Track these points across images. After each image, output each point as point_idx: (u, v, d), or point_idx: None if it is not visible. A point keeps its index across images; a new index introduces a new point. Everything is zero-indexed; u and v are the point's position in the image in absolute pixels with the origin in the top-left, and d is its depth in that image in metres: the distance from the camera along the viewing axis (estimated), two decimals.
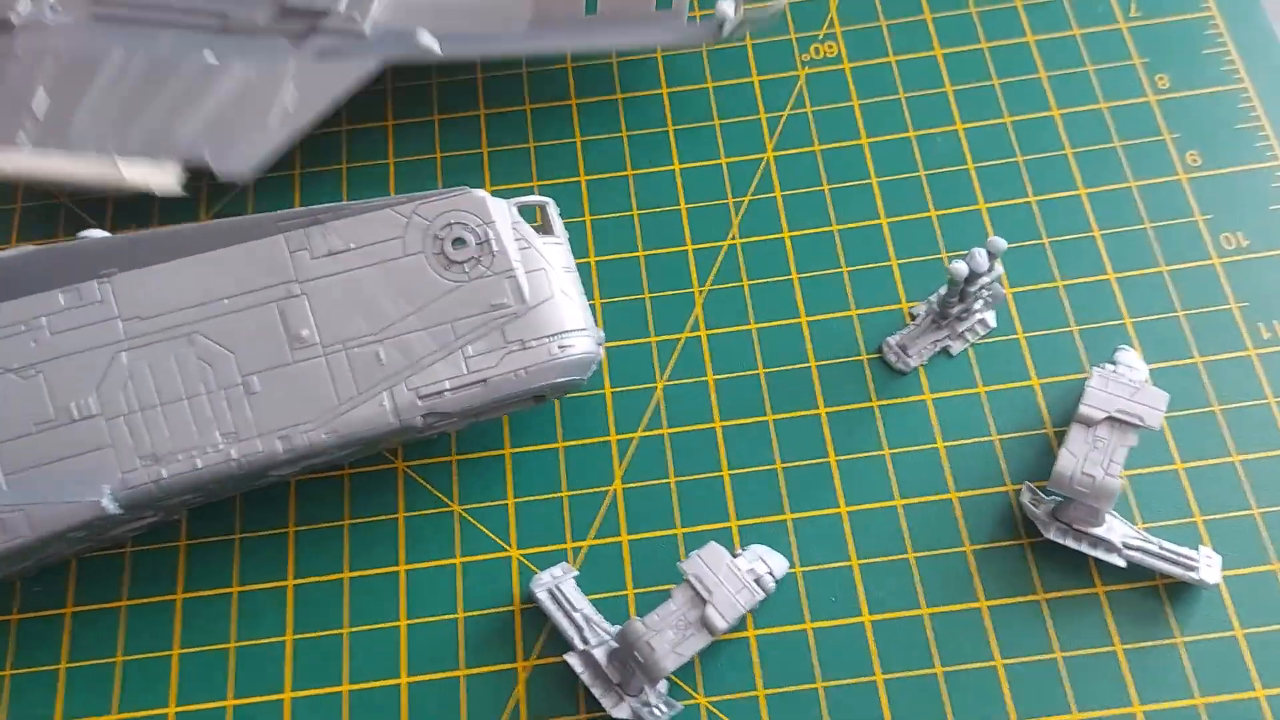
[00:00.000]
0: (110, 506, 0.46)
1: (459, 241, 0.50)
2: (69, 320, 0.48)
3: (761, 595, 0.49)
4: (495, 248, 0.50)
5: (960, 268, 0.51)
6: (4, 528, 0.46)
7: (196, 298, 0.49)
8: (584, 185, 0.61)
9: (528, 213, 0.58)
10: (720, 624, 0.48)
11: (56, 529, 0.46)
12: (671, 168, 0.61)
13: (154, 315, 0.48)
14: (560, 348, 0.49)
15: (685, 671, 0.50)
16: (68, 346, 0.48)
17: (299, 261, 0.49)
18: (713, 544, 0.50)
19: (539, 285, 0.50)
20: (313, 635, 0.52)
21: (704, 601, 0.48)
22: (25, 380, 0.48)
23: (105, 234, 0.50)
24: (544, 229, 0.53)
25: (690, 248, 0.59)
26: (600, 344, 0.52)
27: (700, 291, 0.58)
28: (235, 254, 0.49)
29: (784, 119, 0.63)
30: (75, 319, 0.48)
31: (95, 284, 0.49)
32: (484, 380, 0.49)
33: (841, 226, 0.60)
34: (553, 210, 0.53)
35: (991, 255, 0.52)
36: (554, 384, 0.50)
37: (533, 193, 0.60)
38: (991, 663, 0.50)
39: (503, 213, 0.51)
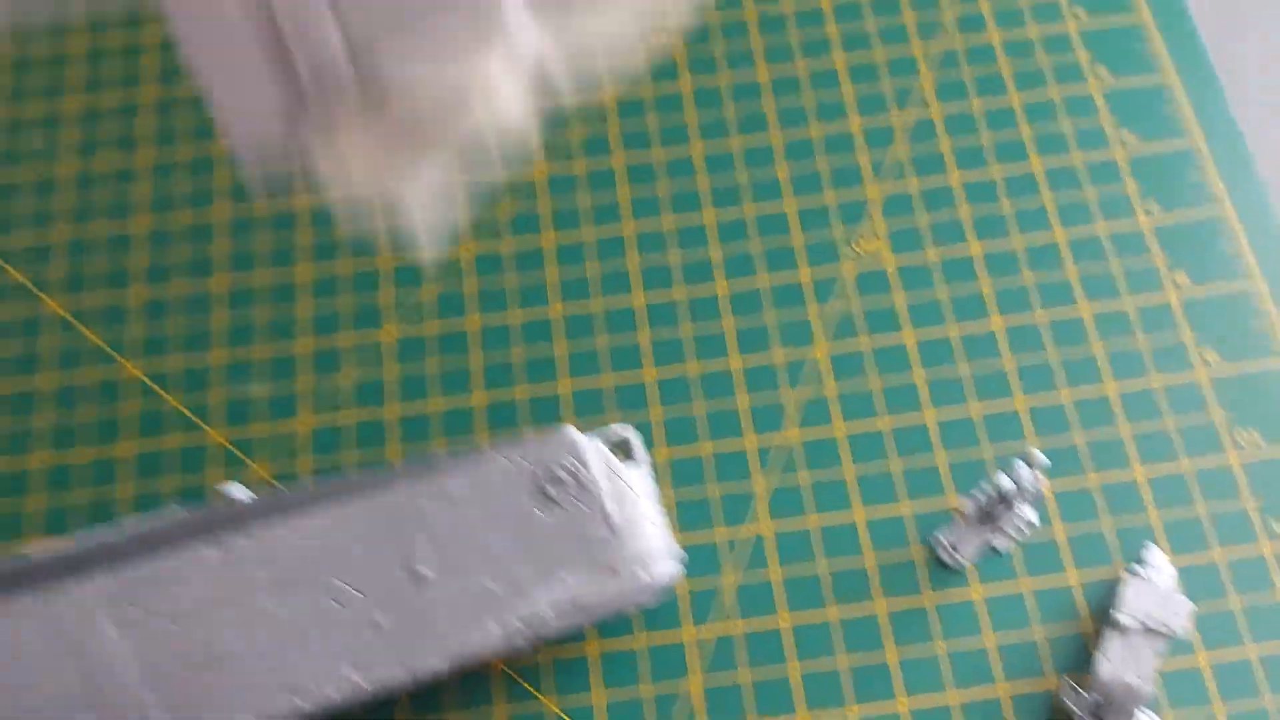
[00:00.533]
0: None
1: (555, 480, 0.56)
2: (217, 571, 0.54)
3: None
4: (587, 484, 0.56)
5: (1005, 481, 0.57)
6: None
7: (330, 546, 0.55)
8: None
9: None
10: None
11: None
12: (729, 365, 0.67)
13: (292, 564, 0.54)
14: (645, 571, 0.55)
15: None
16: (217, 595, 0.54)
17: (419, 506, 0.55)
18: None
19: (625, 513, 0.56)
20: None
21: None
22: (180, 625, 0.53)
23: (246, 492, 0.57)
24: (626, 456, 0.59)
25: (750, 444, 0.65)
26: (681, 563, 0.57)
27: (761, 487, 0.64)
28: (363, 506, 0.55)
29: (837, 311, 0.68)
30: (223, 571, 0.54)
31: (242, 538, 0.54)
32: (580, 606, 0.55)
33: (893, 422, 0.65)
34: (636, 440, 0.59)
35: (1032, 467, 0.57)
36: (641, 603, 0.55)
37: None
38: None
39: (594, 450, 0.57)
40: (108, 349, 0.69)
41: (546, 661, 0.61)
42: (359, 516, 0.55)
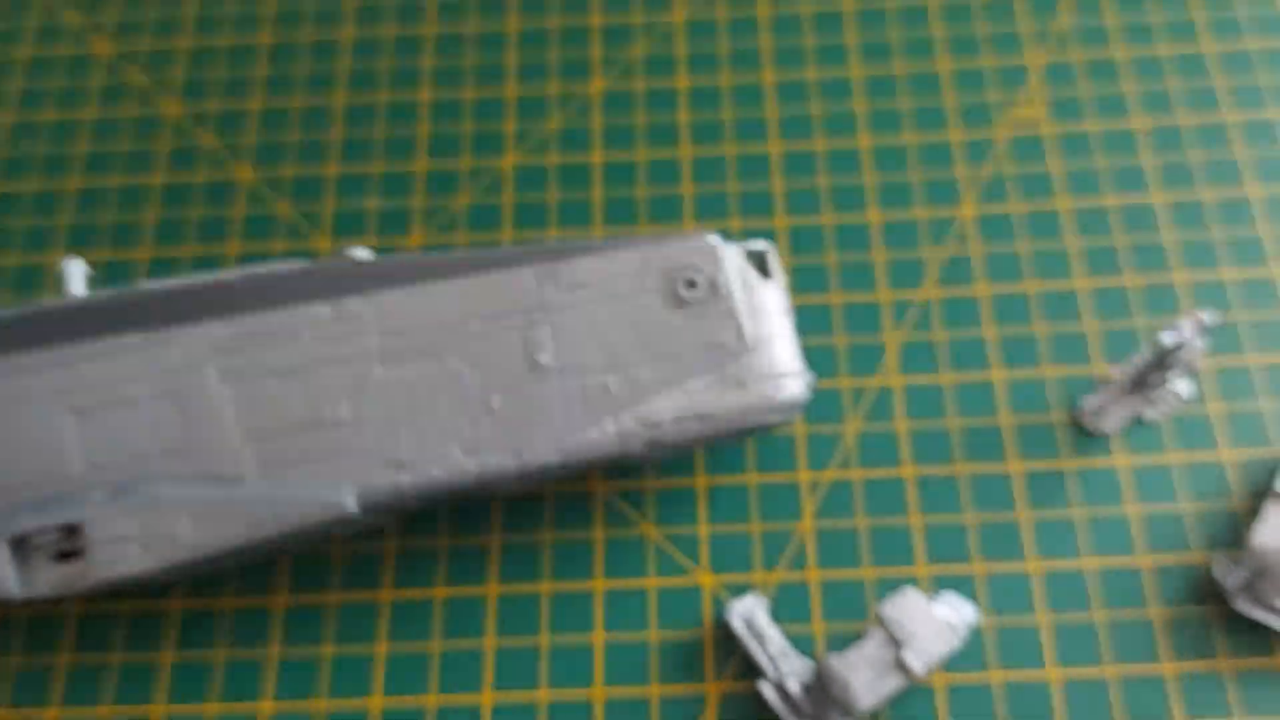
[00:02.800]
0: (351, 508, 0.49)
1: (690, 284, 0.52)
2: (329, 331, 0.51)
3: (957, 643, 0.51)
4: (722, 291, 0.52)
5: (1166, 339, 0.53)
6: (250, 521, 0.49)
7: (448, 320, 0.52)
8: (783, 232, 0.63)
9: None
10: (918, 668, 0.49)
11: (299, 526, 0.49)
12: (866, 219, 0.63)
13: (408, 333, 0.51)
14: (775, 388, 0.52)
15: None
16: (326, 355, 0.51)
17: (544, 293, 0.52)
18: (909, 588, 0.51)
19: (759, 328, 0.52)
20: (513, 642, 0.54)
21: (900, 645, 0.50)
22: (285, 383, 0.51)
23: (369, 253, 0.54)
24: (764, 273, 0.55)
25: (886, 297, 0.61)
26: (810, 386, 0.54)
27: (894, 340, 0.60)
28: (486, 282, 0.52)
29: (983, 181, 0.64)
30: (335, 330, 0.51)
31: (358, 299, 0.52)
32: (702, 415, 0.51)
33: (1040, 286, 0.61)
34: (773, 256, 0.55)
35: (1199, 328, 0.53)
36: (766, 422, 0.52)
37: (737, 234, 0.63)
38: None
39: (731, 258, 0.53)
40: (224, 150, 0.68)
41: (651, 490, 0.57)
42: (482, 293, 0.52)
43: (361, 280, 0.52)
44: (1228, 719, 0.51)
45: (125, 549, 0.49)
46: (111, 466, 0.50)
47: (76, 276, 0.55)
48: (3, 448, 0.50)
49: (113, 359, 0.51)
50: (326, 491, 0.49)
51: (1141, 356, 0.57)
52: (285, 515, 0.49)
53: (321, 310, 0.52)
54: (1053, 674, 0.52)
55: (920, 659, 0.50)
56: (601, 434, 0.51)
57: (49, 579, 0.49)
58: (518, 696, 0.53)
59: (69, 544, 0.50)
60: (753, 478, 0.57)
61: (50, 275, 0.64)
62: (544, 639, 0.54)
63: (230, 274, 0.53)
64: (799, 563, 0.55)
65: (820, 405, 0.59)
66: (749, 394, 0.52)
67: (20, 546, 0.50)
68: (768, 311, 0.53)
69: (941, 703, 0.52)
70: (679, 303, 0.53)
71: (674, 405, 0.51)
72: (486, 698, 0.53)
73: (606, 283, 0.53)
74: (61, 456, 0.50)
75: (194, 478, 0.50)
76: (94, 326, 0.52)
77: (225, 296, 0.52)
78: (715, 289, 0.53)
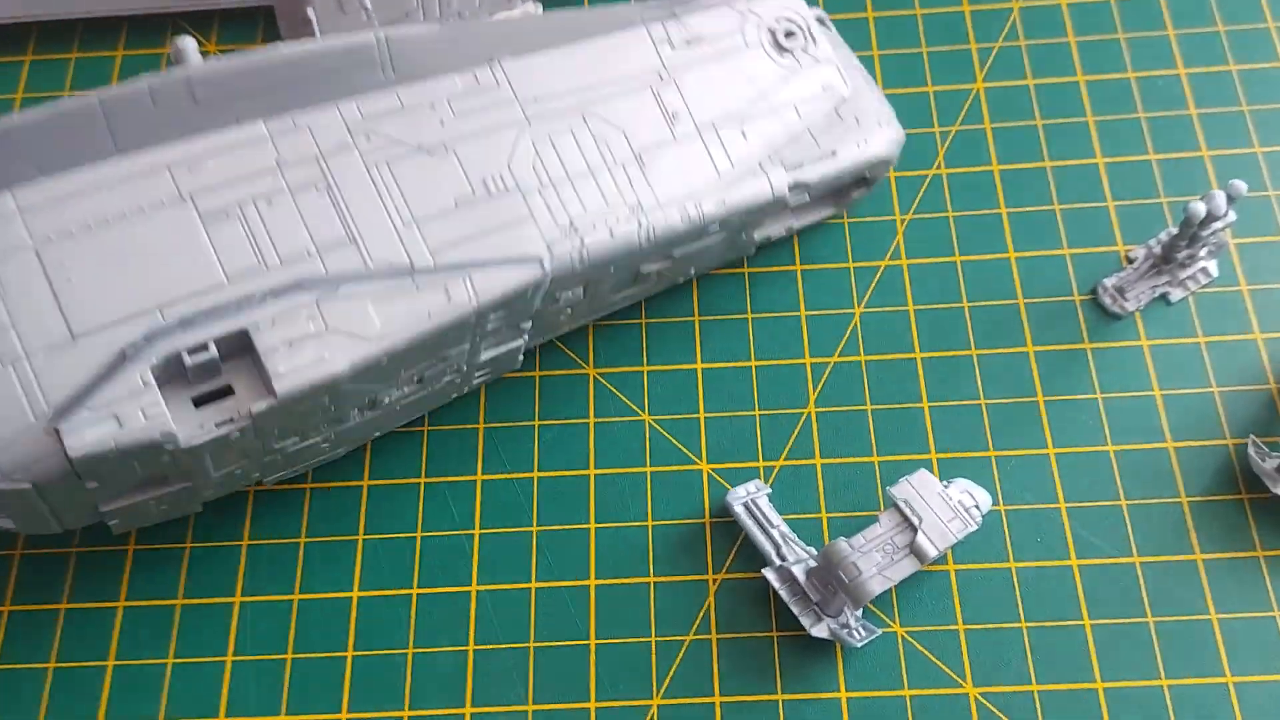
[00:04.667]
0: (547, 265, 0.46)
1: (788, 34, 0.52)
2: (470, 102, 0.48)
3: (973, 526, 0.47)
4: (820, 38, 0.53)
5: (1198, 208, 0.49)
6: (449, 293, 0.44)
7: (581, 82, 0.49)
8: None
9: None
10: (931, 551, 0.46)
11: (498, 293, 0.45)
12: None
13: (547, 98, 0.49)
14: (888, 129, 0.53)
15: (882, 600, 0.48)
16: (473, 127, 0.47)
17: (661, 50, 0.51)
18: (923, 471, 0.48)
19: (849, 74, 0.53)
20: (502, 530, 0.50)
21: (913, 528, 0.47)
22: (437, 159, 0.46)
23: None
24: None
25: (893, 174, 0.58)
26: (902, 136, 0.54)
27: (902, 221, 0.56)
28: (608, 43, 0.50)
29: (995, 50, 0.60)
30: (475, 101, 0.48)
31: (489, 68, 0.48)
32: (834, 153, 0.51)
33: (1055, 163, 0.57)
34: (829, 22, 0.55)
35: (1230, 199, 0.50)
36: (888, 157, 0.53)
37: None
38: (1206, 616, 0.48)
39: (813, 16, 0.54)
40: None
41: (645, 375, 0.54)
42: (607, 56, 0.50)
43: (478, 49, 0.49)
44: (1267, 612, 0.48)
45: (304, 353, 0.42)
46: (266, 270, 0.43)
47: (191, 53, 0.46)
48: (125, 268, 0.42)
49: (239, 151, 0.45)
50: (516, 255, 0.46)
51: (1167, 232, 0.53)
52: (481, 283, 0.45)
53: (454, 82, 0.48)
54: (1075, 562, 0.49)
55: (934, 543, 0.46)
56: (756, 181, 0.50)
57: (205, 420, 0.42)
58: (508, 586, 0.49)
59: (219, 381, 0.42)
60: (753, 362, 0.54)
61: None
62: (535, 528, 0.51)
63: (327, 44, 0.47)
64: (804, 450, 0.52)
65: (824, 287, 0.55)
66: (864, 130, 0.52)
67: (164, 386, 0.41)
68: (852, 65, 0.54)
69: (955, 591, 0.49)
70: (782, 53, 0.52)
71: (805, 147, 0.51)
72: (474, 589, 0.50)
73: (716, 39, 0.52)
74: (201, 266, 0.43)
75: (363, 269, 0.44)
76: (204, 117, 0.45)
77: (336, 73, 0.47)
78: (813, 37, 0.52)
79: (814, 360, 0.54)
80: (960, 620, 0.48)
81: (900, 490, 0.47)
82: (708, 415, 0.53)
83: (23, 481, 0.41)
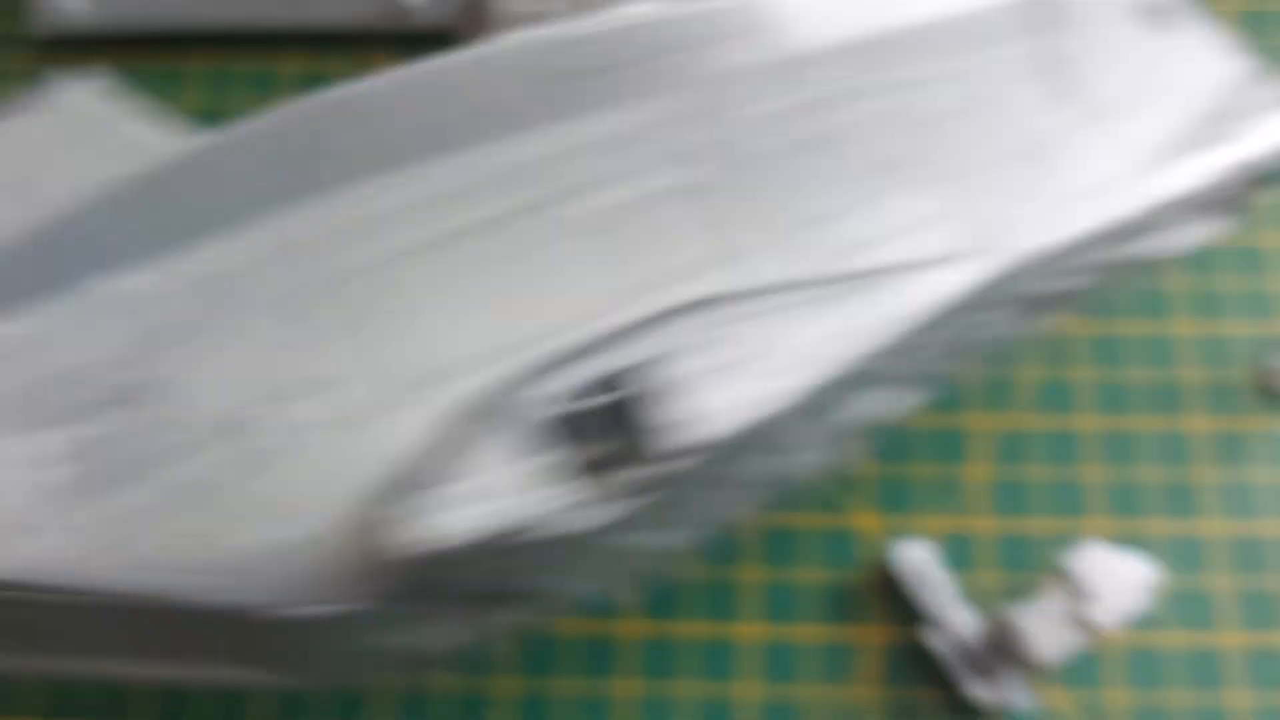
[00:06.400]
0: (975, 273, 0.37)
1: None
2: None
3: (1145, 600, 0.48)
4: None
5: None
6: (876, 304, 0.34)
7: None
8: None
9: None
10: (1108, 623, 0.47)
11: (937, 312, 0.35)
12: None
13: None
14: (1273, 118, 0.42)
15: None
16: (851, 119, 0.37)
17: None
18: (1092, 541, 0.49)
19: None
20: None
21: (1084, 599, 0.47)
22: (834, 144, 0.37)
23: None
24: None
25: None
26: None
27: None
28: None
29: None
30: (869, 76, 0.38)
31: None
32: (1223, 157, 0.41)
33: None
34: None
35: None
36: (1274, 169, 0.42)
37: None
38: None
39: None
40: None
41: None
42: None
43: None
44: None
45: (725, 384, 0.31)
46: (647, 294, 0.33)
47: None
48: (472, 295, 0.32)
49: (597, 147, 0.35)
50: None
51: None
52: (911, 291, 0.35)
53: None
54: (1232, 640, 0.49)
55: (1108, 615, 0.47)
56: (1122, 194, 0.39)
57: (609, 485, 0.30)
58: (661, 628, 0.50)
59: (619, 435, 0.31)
60: (919, 419, 0.54)
61: None
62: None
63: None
64: (965, 510, 0.52)
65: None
66: (1257, 130, 0.41)
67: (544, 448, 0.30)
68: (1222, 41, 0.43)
69: (1116, 665, 0.49)
70: (1154, 20, 0.42)
71: (1184, 154, 0.40)
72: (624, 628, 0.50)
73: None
74: (562, 294, 0.33)
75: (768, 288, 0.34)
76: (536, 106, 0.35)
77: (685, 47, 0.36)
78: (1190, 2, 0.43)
79: (981, 424, 0.54)
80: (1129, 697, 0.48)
81: (1072, 561, 0.48)
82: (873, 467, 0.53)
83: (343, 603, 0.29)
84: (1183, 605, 0.50)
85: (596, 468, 0.31)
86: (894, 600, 0.51)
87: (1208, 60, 0.42)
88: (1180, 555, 0.51)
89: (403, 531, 0.28)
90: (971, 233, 0.36)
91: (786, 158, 0.36)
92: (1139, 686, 0.49)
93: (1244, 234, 0.57)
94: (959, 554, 0.51)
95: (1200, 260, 0.57)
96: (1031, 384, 0.55)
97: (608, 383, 0.31)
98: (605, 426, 0.31)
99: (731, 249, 0.34)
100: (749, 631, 0.50)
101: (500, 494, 0.29)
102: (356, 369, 0.31)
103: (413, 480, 0.29)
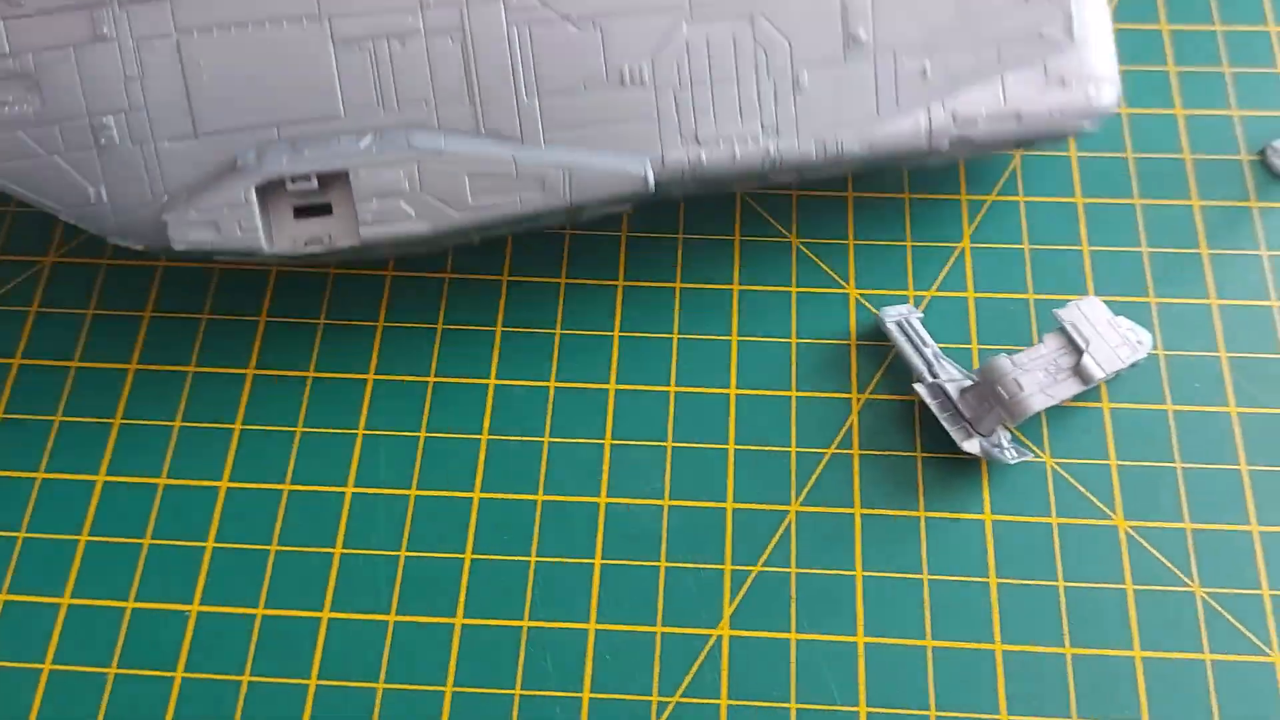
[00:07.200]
0: (648, 181, 0.44)
1: None
2: None
3: (1141, 354, 0.46)
4: None
5: None
6: (544, 186, 0.44)
7: None
8: None
9: None
10: (1098, 372, 0.45)
11: (591, 198, 0.44)
12: None
13: None
14: (1095, 91, 0.46)
15: (1032, 431, 0.47)
16: (630, 4, 0.44)
17: None
18: (1092, 298, 0.47)
19: (1084, 21, 0.46)
20: (641, 335, 0.49)
21: (1079, 350, 0.45)
22: (582, 32, 0.44)
23: None
24: None
25: None
26: (1119, 96, 0.47)
27: None
28: None
29: None
30: None
31: None
32: (1019, 115, 0.46)
33: (1226, 28, 0.56)
34: None
35: None
36: (1077, 129, 0.46)
37: None
38: None
39: None
40: None
41: (794, 199, 0.52)
42: None
43: None
44: None
45: (393, 206, 0.43)
46: (381, 109, 0.44)
47: None
48: (253, 76, 0.43)
49: None
50: (622, 161, 0.44)
51: None
52: (579, 184, 0.44)
53: None
54: (1235, 410, 0.47)
55: (1101, 365, 0.45)
56: (912, 126, 0.45)
57: (297, 234, 0.44)
58: (645, 387, 0.48)
59: (320, 197, 0.44)
60: (907, 195, 0.52)
61: None
62: (674, 335, 0.49)
63: None
64: (956, 283, 0.50)
65: None
66: (1069, 95, 0.46)
67: (267, 194, 0.44)
68: (1093, 4, 0.47)
69: (1108, 427, 0.47)
70: None
71: (989, 99, 0.45)
72: (611, 386, 0.49)
73: None
74: (322, 92, 0.43)
75: (474, 131, 0.44)
76: None
77: None
78: None
79: (971, 197, 0.52)
80: (1113, 455, 0.47)
81: (1068, 313, 0.46)
82: (857, 242, 0.51)
83: (136, 244, 0.44)
84: (1178, 374, 0.48)
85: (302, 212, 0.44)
86: (889, 360, 0.49)
87: (1048, 21, 0.45)
88: (1178, 327, 0.49)
89: (170, 230, 0.43)
90: (665, 142, 0.45)
91: (546, 34, 0.44)
92: (1129, 448, 0.47)
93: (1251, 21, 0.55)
94: (947, 324, 0.50)
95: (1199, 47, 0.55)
96: (1018, 159, 0.53)
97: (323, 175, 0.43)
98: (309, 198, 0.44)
99: (469, 97, 0.44)
100: (738, 392, 0.48)
101: (227, 227, 0.43)
102: (175, 110, 0.44)
103: (187, 198, 0.43)
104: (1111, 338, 0.46)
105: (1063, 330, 0.46)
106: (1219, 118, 0.54)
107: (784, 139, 0.44)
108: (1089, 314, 0.46)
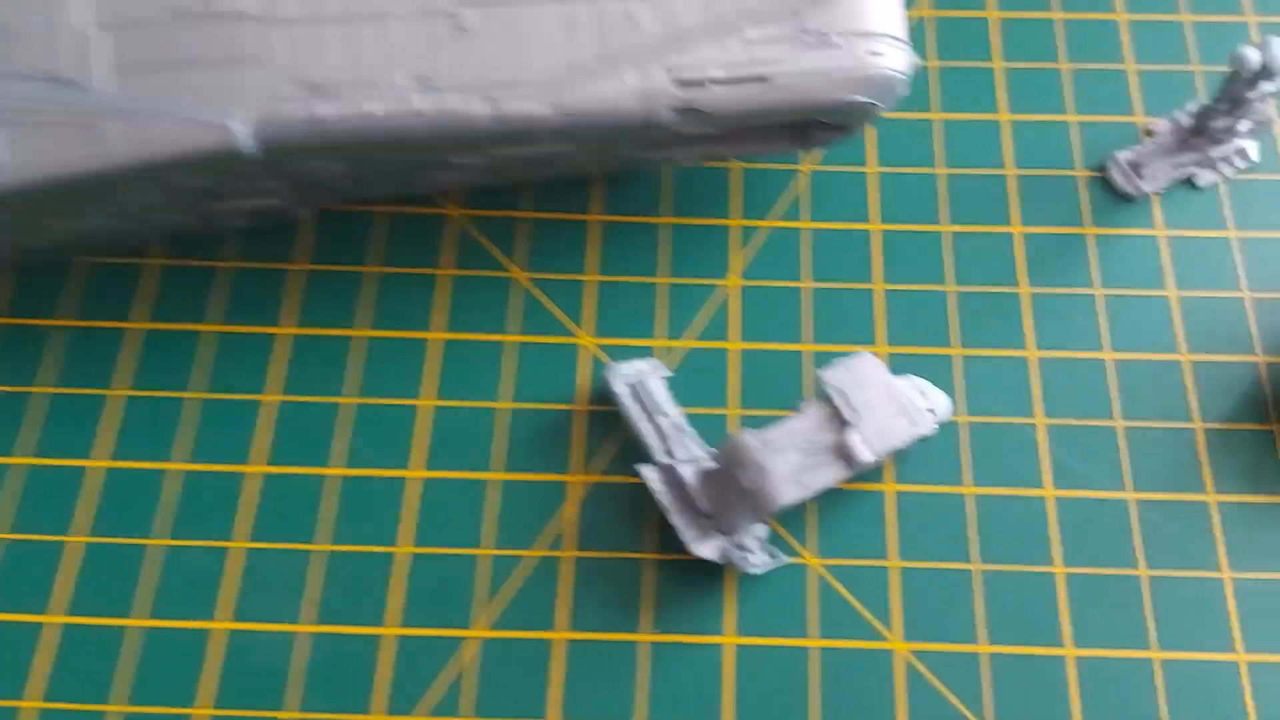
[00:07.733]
0: (243, 139, 0.33)
1: None
2: None
3: (924, 430, 0.36)
4: None
5: (1251, 55, 0.38)
6: (96, 139, 0.33)
7: None
8: None
9: None
10: (866, 456, 0.35)
11: (161, 155, 0.33)
12: None
13: None
14: (869, 53, 0.35)
15: (795, 523, 0.37)
16: None
17: None
18: (866, 355, 0.36)
19: None
20: (305, 399, 0.39)
21: (846, 424, 0.35)
22: None
23: None
24: None
25: None
26: (913, 68, 0.37)
27: None
28: None
29: None
30: None
31: None
32: (765, 78, 0.35)
33: (1067, 16, 0.46)
34: None
35: None
36: (848, 103, 0.35)
37: None
38: (1216, 574, 0.36)
39: None
40: None
41: (525, 224, 0.42)
42: None
43: None
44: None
45: None
46: None
47: None
48: None
49: None
50: (209, 113, 0.33)
51: (1198, 103, 0.42)
52: (144, 140, 0.33)
53: None
54: (1051, 493, 0.37)
55: (871, 445, 0.35)
56: (617, 86, 0.34)
57: None
58: (300, 470, 0.38)
59: None
60: (664, 219, 0.42)
61: None
62: (344, 399, 0.39)
63: None
64: (718, 330, 0.40)
65: None
66: (836, 57, 0.35)
67: None
68: None
69: (891, 518, 0.37)
70: None
71: (725, 57, 0.35)
72: (254, 469, 0.38)
73: None
74: None
75: (20, 75, 0.34)
76: None
77: None
78: None
79: (743, 223, 0.42)
80: (894, 555, 0.36)
81: (834, 375, 0.36)
82: (600, 279, 0.41)
83: None
84: (980, 445, 0.38)
85: None
86: (614, 429, 0.38)
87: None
88: (986, 386, 0.39)
89: None
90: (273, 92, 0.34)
91: None
92: (915, 546, 0.37)
93: (1096, 9, 0.46)
94: (702, 382, 0.39)
95: (1033, 38, 0.45)
96: (806, 177, 0.43)
97: None
98: None
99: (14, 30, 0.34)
100: (424, 475, 0.38)
101: None
102: None
103: None
104: (887, 407, 0.35)
105: (826, 398, 0.35)
106: (1051, 124, 0.44)
107: (439, 95, 0.34)
108: (861, 376, 0.36)
